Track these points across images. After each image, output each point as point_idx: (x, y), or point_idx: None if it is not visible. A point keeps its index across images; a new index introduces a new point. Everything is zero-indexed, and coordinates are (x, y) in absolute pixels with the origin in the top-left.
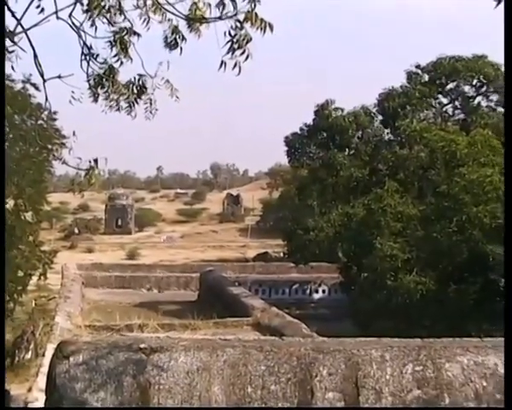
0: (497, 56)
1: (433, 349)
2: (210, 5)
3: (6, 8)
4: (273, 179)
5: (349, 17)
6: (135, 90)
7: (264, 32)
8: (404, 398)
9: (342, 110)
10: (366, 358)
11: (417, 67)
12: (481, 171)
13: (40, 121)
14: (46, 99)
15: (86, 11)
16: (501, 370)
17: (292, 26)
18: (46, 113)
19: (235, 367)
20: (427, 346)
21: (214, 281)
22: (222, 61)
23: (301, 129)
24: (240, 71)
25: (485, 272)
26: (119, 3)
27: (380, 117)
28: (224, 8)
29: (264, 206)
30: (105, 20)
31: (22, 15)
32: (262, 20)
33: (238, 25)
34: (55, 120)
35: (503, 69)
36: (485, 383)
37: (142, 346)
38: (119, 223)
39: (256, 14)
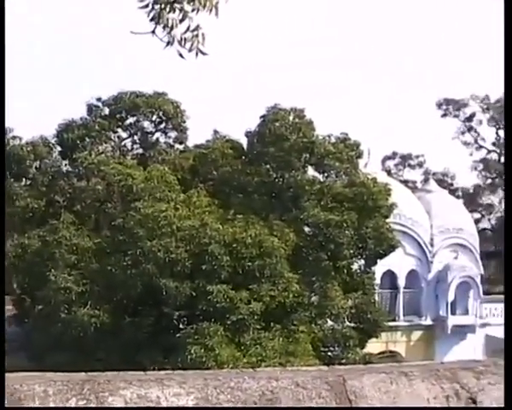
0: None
1: (97, 383)
2: None
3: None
4: None
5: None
6: None
7: None
8: None
9: (20, 139)
10: (29, 393)
11: (98, 100)
12: (157, 206)
13: None
14: None
15: None
16: (163, 403)
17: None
18: None
19: None
20: (91, 380)
21: None
22: None
23: None
24: None
25: (159, 305)
26: None
27: (59, 148)
28: None
29: None
30: None
31: None
32: None
33: None
34: None
35: (182, 107)
36: None
37: None
38: None
39: None
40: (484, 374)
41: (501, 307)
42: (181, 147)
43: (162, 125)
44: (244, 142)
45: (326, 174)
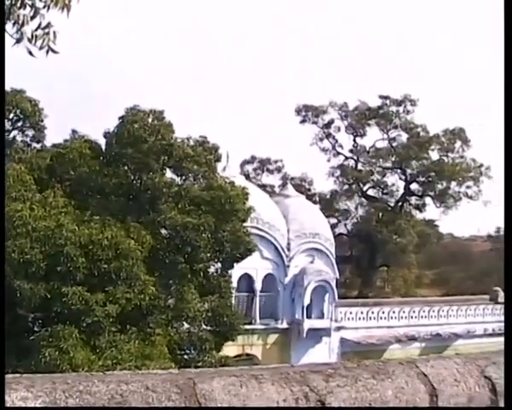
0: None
1: None
2: None
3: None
4: None
5: None
6: None
7: None
8: None
9: None
10: None
11: None
12: (12, 205)
13: None
14: None
15: None
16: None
17: None
18: None
19: None
20: None
21: None
22: None
23: None
24: None
25: (14, 307)
26: None
27: None
28: None
29: None
30: None
31: None
32: None
33: None
34: None
35: (40, 105)
36: None
37: None
38: None
39: None
40: (333, 377)
41: (355, 310)
42: (38, 146)
43: (19, 124)
44: (103, 142)
45: (184, 177)
